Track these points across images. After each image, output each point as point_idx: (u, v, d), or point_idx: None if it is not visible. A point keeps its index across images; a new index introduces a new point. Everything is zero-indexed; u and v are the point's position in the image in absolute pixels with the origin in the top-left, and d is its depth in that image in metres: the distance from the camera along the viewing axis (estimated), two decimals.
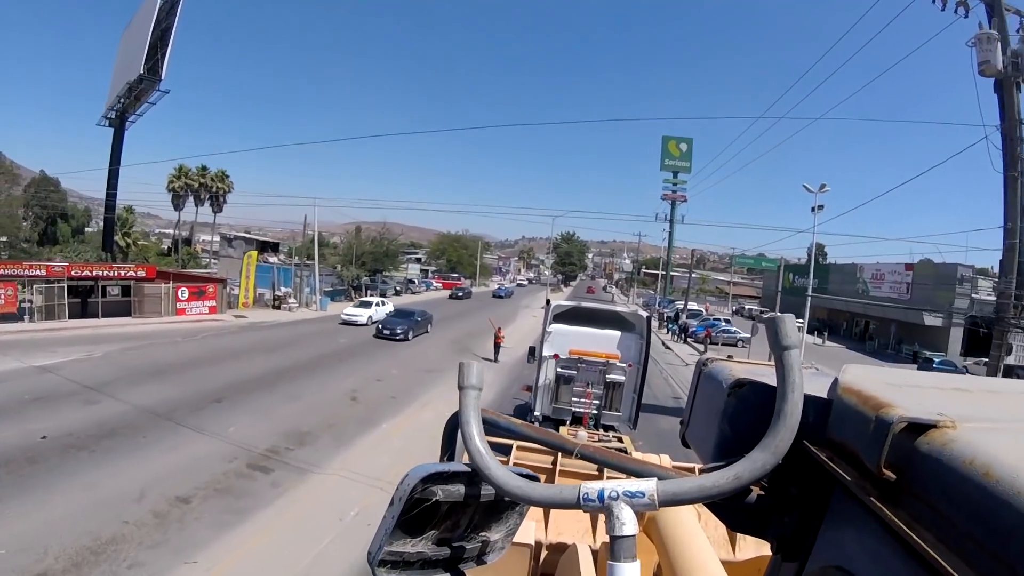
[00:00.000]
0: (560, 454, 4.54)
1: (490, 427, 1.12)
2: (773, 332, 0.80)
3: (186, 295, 31.55)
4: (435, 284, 75.14)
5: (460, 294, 60.13)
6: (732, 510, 0.93)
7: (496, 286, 79.59)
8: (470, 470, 1.07)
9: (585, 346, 12.24)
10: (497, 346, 24.81)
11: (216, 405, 14.92)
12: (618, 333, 12.53)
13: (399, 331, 27.31)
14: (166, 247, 64.41)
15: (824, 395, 0.90)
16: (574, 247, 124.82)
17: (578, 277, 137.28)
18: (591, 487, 0.83)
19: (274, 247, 59.30)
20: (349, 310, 32.49)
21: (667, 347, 36.51)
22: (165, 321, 29.71)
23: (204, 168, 63.75)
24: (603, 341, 12.38)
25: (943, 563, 0.59)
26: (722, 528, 3.56)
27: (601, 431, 11.22)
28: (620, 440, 9.70)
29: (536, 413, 12.64)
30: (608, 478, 1.19)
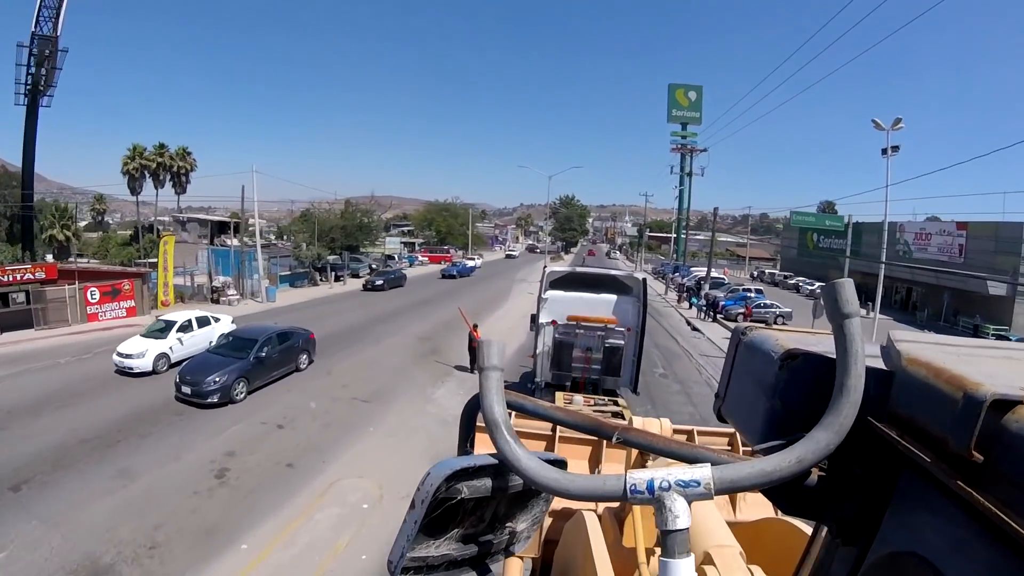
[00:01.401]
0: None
1: (514, 410, 1.05)
2: (832, 299, 0.77)
3: (97, 296, 25.69)
4: (421, 259, 67.35)
5: (455, 272, 50.47)
6: (787, 493, 0.87)
7: (469, 261, 61.68)
8: (497, 462, 1.02)
9: (582, 311, 12.21)
10: (474, 350, 18.29)
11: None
12: (615, 297, 12.51)
13: (211, 386, 13.62)
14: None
15: (876, 365, 0.83)
16: (574, 211, 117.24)
17: (579, 243, 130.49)
18: (639, 477, 0.77)
19: (234, 228, 52.92)
20: (127, 346, 16.64)
21: (695, 330, 29.74)
22: (73, 331, 23.94)
23: (163, 146, 57.43)
24: (600, 306, 12.39)
25: None
26: None
27: (596, 397, 10.51)
28: (616, 404, 9.44)
29: (538, 379, 12.76)
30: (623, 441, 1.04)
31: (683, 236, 66.26)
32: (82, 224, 70.97)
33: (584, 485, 0.83)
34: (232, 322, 20.41)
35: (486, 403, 0.91)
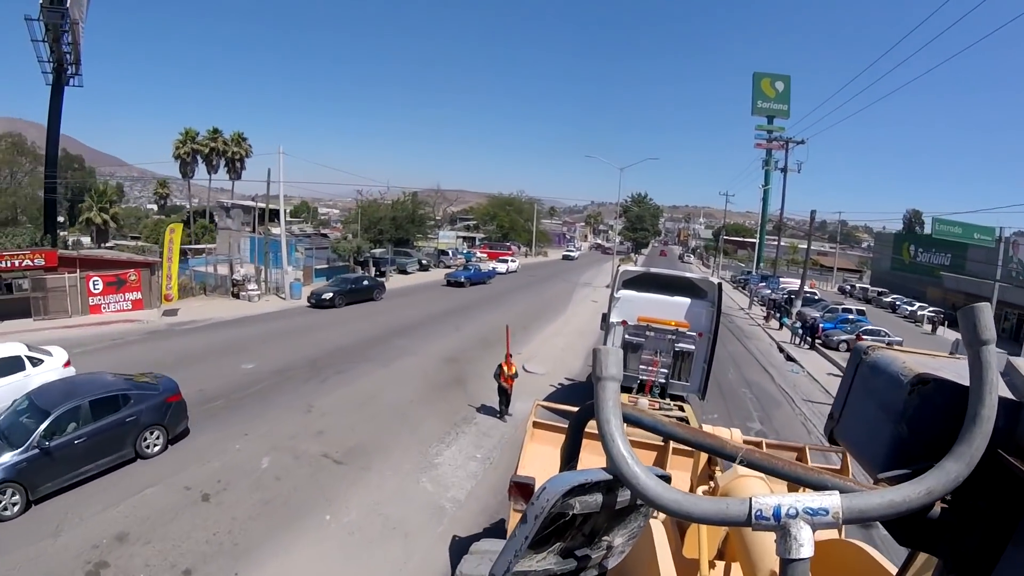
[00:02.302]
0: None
1: (630, 424, 1.04)
2: (970, 324, 0.76)
3: (100, 287, 23.06)
4: (479, 255, 61.97)
5: (463, 279, 35.74)
6: (907, 523, 0.84)
7: (494, 264, 50.03)
8: (611, 477, 1.02)
9: (654, 313, 11.92)
10: (504, 390, 12.98)
11: None
12: (688, 300, 12.11)
13: None
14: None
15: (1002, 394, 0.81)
16: (646, 210, 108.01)
17: (649, 244, 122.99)
18: (766, 503, 0.76)
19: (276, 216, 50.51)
20: None
21: (790, 359, 23.76)
22: (72, 324, 21.37)
23: (216, 131, 56.23)
24: (672, 308, 12.04)
25: None
26: None
27: (662, 401, 10.39)
28: (682, 410, 9.42)
29: None
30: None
31: (768, 241, 59.01)
32: (152, 207, 71.85)
33: (707, 508, 0.80)
34: (65, 365, 12.72)
35: (602, 415, 0.88)
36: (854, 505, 0.73)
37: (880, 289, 53.57)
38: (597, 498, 1.06)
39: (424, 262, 43.55)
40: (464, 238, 74.41)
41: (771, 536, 1.53)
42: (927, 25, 23.99)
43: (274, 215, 47.92)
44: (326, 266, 33.48)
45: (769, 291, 38.82)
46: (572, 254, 77.75)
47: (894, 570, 0.90)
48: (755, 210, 73.27)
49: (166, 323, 21.81)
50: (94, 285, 22.92)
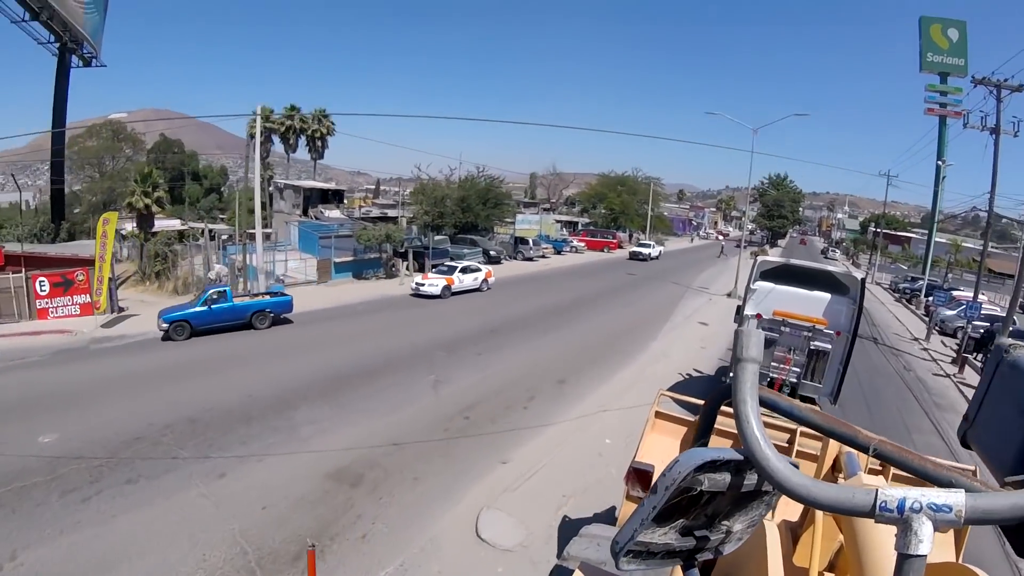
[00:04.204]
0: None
1: (766, 408, 1.03)
2: None
3: (47, 288, 19.17)
4: (575, 244, 52.44)
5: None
6: None
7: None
8: (741, 458, 1.02)
9: (791, 307, 11.50)
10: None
11: None
12: (828, 296, 11.57)
13: None
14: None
15: None
16: (785, 194, 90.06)
17: (787, 233, 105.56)
18: (891, 495, 0.76)
19: (337, 196, 46.03)
20: None
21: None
22: (14, 332, 17.63)
23: (294, 108, 53.54)
24: (811, 304, 11.56)
25: None
26: None
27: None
28: None
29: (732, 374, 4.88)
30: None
31: (931, 237, 45.21)
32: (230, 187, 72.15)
33: (834, 496, 0.81)
34: None
35: (739, 396, 0.89)
36: (978, 505, 0.72)
37: None
38: (726, 477, 1.05)
39: (494, 253, 36.70)
40: (565, 223, 65.09)
41: (887, 554, 1.46)
42: None
43: (332, 196, 44.26)
44: (350, 259, 27.85)
45: (964, 318, 22.73)
46: (647, 252, 48.68)
47: None
48: (903, 200, 56.98)
49: (91, 338, 17.19)
50: (40, 286, 19.07)
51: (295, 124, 52.05)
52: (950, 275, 54.25)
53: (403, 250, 29.20)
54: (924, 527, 0.71)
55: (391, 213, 41.82)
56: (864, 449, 1.03)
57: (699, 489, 1.03)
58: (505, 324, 20.53)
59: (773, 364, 11.42)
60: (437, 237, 34.18)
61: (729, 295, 30.04)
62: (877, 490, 0.76)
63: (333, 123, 54.80)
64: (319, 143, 54.51)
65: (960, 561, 2.63)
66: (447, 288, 24.78)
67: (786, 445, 5.20)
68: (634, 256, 48.65)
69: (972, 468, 4.56)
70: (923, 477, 0.92)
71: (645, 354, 17.58)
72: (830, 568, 2.54)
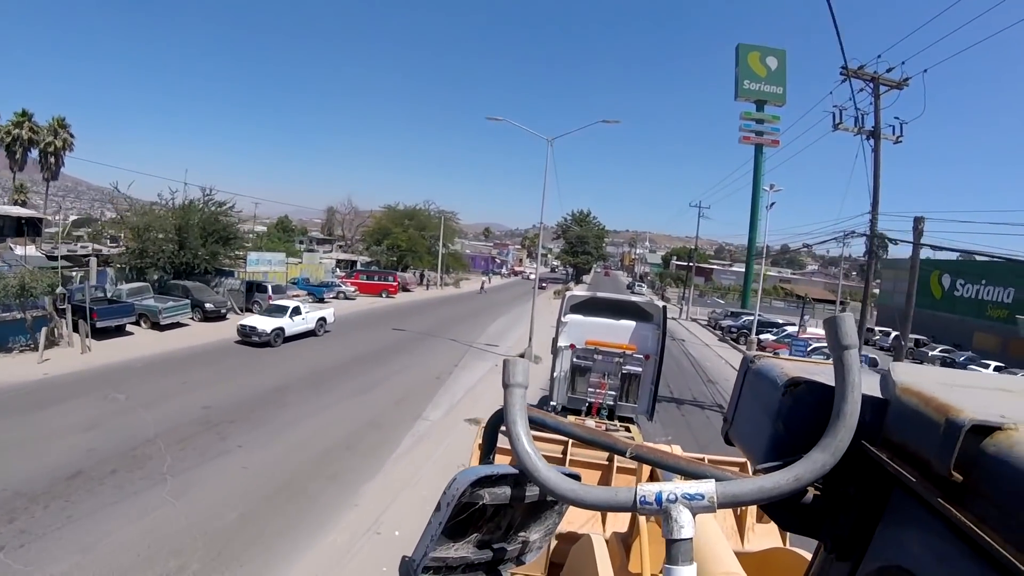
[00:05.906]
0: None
1: (537, 426, 1.10)
2: (833, 332, 0.83)
3: None
4: (345, 288, 41.05)
5: None
6: (786, 510, 0.94)
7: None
8: (517, 472, 1.10)
9: (601, 336, 12.15)
10: None
11: None
12: (634, 323, 12.36)
13: None
14: None
15: (874, 394, 0.91)
16: (588, 231, 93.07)
17: (591, 269, 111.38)
18: (648, 489, 0.83)
19: (34, 228, 34.43)
20: None
21: None
22: None
23: (25, 115, 42.34)
24: (619, 332, 12.28)
25: (1013, 561, 0.60)
26: (731, 518, 4.13)
27: (608, 422, 10.89)
28: (628, 430, 9.81)
29: (553, 403, 12.63)
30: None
31: (727, 268, 49.37)
32: None
33: (598, 496, 0.89)
34: None
35: (509, 417, 0.96)
36: (728, 491, 0.80)
37: (919, 336, 37.92)
38: (506, 490, 1.11)
39: (211, 306, 26.41)
40: (341, 262, 56.26)
41: (714, 550, 2.00)
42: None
43: (26, 227, 31.39)
44: None
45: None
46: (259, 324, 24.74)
47: None
48: (696, 235, 61.73)
49: None
50: None
51: (23, 134, 40.74)
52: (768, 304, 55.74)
53: (63, 306, 19.85)
54: (683, 515, 0.78)
55: (107, 250, 32.60)
56: (622, 453, 1.09)
57: (481, 503, 1.08)
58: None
59: (590, 389, 12.10)
60: (130, 285, 24.80)
61: (523, 355, 22.69)
62: (636, 487, 0.82)
63: (73, 135, 44.26)
64: (52, 159, 43.43)
65: (787, 546, 3.15)
66: None
67: (606, 463, 5.33)
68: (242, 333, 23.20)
69: (743, 460, 4.66)
70: (677, 472, 0.99)
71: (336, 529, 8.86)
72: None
